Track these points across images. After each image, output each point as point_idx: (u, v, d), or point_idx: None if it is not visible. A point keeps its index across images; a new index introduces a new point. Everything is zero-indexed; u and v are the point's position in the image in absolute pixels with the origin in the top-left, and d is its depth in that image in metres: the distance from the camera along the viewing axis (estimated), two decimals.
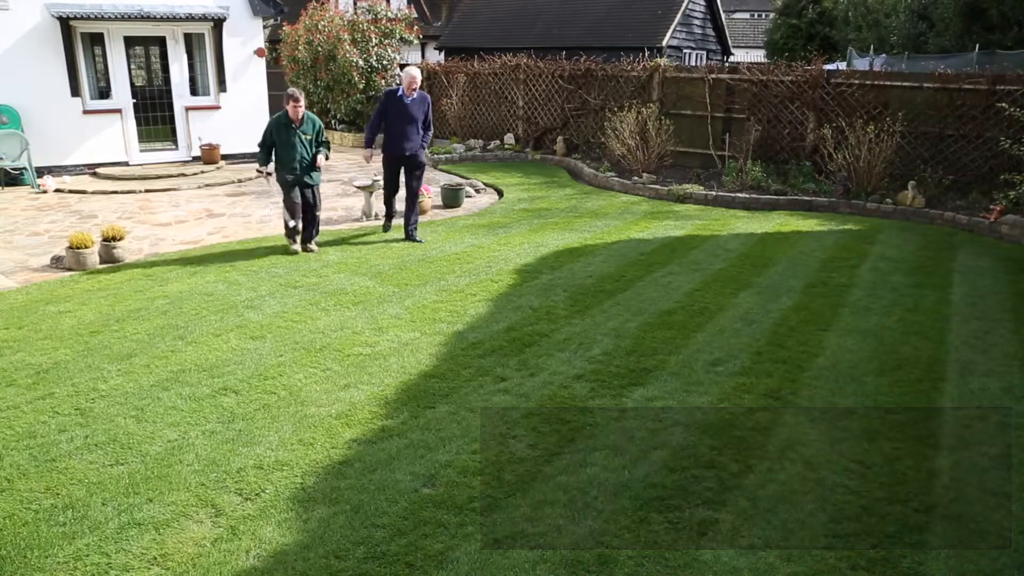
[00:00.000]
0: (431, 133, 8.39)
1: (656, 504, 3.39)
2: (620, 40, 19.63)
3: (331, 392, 4.53)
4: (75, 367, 4.88)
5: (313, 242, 8.02)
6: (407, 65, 7.98)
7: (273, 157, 7.76)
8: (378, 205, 9.46)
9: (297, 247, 7.83)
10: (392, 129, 8.06)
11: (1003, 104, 9.40)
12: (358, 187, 9.57)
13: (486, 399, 4.43)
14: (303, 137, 7.61)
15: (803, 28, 27.49)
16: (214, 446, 3.89)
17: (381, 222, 9.08)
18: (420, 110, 8.07)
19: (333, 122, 18.29)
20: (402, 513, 3.32)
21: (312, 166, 7.75)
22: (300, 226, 7.87)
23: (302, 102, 7.50)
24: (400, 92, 7.98)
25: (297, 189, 7.71)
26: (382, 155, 8.35)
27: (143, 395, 4.48)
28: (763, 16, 41.47)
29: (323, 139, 7.89)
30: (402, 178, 8.44)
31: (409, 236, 8.34)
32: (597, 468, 3.68)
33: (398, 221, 8.80)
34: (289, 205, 7.82)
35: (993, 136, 9.68)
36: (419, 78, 7.99)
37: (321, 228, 8.33)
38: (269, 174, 8.02)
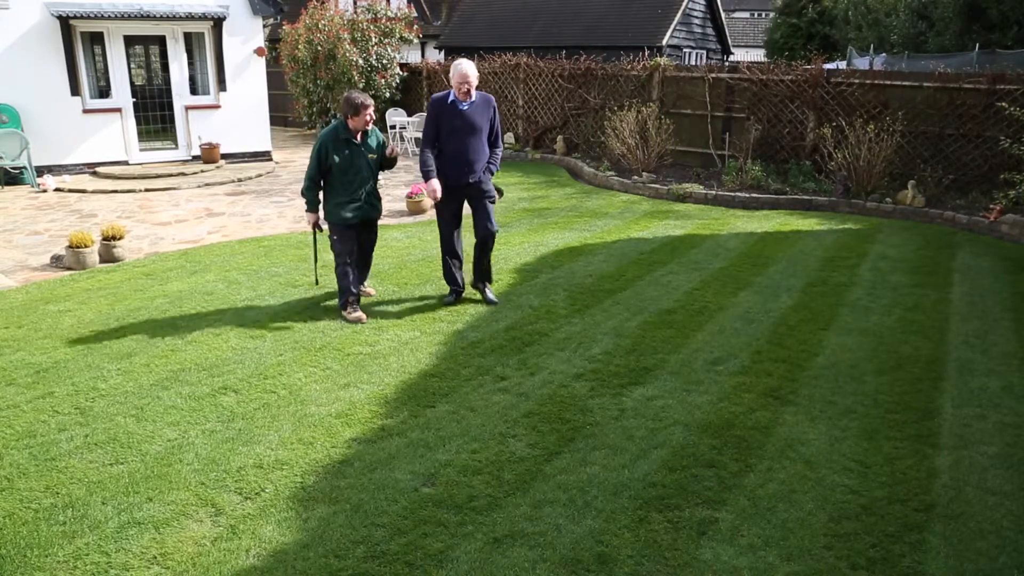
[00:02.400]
0: (500, 151, 6.00)
1: (656, 504, 3.39)
2: (620, 39, 19.63)
3: (331, 391, 4.53)
4: (75, 366, 4.88)
5: (369, 281, 6.34)
6: (456, 59, 6.09)
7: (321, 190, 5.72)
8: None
9: (360, 313, 5.72)
10: (447, 150, 5.74)
11: (1003, 103, 9.40)
12: None
13: (486, 398, 4.43)
14: (369, 156, 5.68)
15: (803, 27, 27.50)
16: (214, 445, 3.89)
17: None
18: (484, 118, 5.78)
19: (334, 121, 18.28)
20: (402, 512, 3.32)
21: (376, 193, 5.89)
22: (357, 291, 5.87)
23: (371, 108, 5.53)
24: (451, 97, 5.68)
25: (355, 233, 5.76)
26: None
27: (143, 394, 4.48)
28: (763, 15, 41.46)
29: (387, 153, 5.86)
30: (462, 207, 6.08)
31: (486, 299, 6.14)
32: (597, 468, 3.68)
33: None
34: (346, 257, 5.70)
35: (993, 135, 9.68)
36: (472, 74, 5.63)
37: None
38: (320, 228, 5.90)
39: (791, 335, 5.44)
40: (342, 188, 5.60)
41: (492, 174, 5.97)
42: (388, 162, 5.92)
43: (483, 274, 6.17)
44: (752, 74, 12.00)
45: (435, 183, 5.70)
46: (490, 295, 6.14)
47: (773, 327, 5.60)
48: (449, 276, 6.18)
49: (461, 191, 5.89)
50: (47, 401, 4.39)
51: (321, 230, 5.89)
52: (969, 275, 7.04)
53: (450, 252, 6.09)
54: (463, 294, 6.19)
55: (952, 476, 3.64)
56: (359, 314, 5.69)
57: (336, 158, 5.53)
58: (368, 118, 5.52)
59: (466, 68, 5.61)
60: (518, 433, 4.01)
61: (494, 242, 6.09)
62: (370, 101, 5.52)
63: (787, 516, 3.31)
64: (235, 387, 4.58)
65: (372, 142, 5.72)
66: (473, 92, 5.70)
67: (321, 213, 5.81)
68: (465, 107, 5.69)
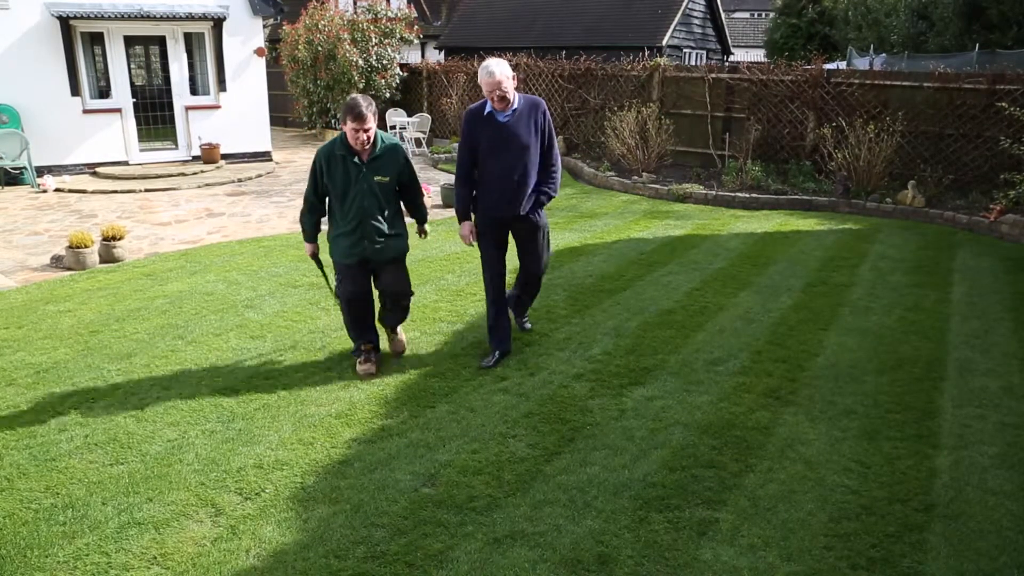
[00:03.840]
0: (558, 171, 4.80)
1: (656, 504, 3.39)
2: (620, 40, 19.63)
3: (331, 391, 4.53)
4: (75, 367, 4.88)
5: (400, 329, 5.10)
6: (485, 59, 4.88)
7: (327, 215, 4.69)
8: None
9: (370, 365, 4.73)
10: (486, 175, 4.64)
11: (1003, 103, 9.40)
12: None
13: (486, 398, 4.43)
14: (376, 180, 4.43)
15: (803, 27, 27.50)
16: (214, 445, 3.88)
17: None
18: (531, 129, 4.56)
19: (333, 122, 18.28)
20: (402, 512, 3.32)
21: (394, 223, 4.60)
22: (374, 339, 4.82)
23: (371, 120, 4.26)
24: (488, 108, 4.54)
25: (361, 272, 4.61)
26: (473, 219, 4.82)
27: (143, 395, 4.48)
28: (763, 16, 41.45)
29: (415, 179, 4.71)
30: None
31: (523, 327, 5.46)
32: (597, 468, 3.68)
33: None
34: (349, 302, 4.67)
35: (993, 135, 9.68)
36: (504, 75, 4.41)
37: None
38: (319, 260, 4.86)
39: (791, 335, 5.44)
40: (340, 217, 4.51)
41: (544, 204, 4.76)
42: (411, 190, 4.69)
43: (524, 310, 5.47)
44: (752, 74, 12.00)
45: (467, 227, 4.76)
46: (527, 324, 5.48)
47: (773, 327, 5.60)
48: (494, 322, 4.95)
49: (504, 225, 4.78)
50: (47, 402, 4.39)
51: (321, 262, 4.90)
52: (969, 275, 7.04)
53: (494, 309, 4.93)
54: (508, 352, 5.00)
55: (952, 476, 3.63)
56: (368, 366, 4.69)
57: (331, 178, 4.42)
58: (361, 137, 4.28)
59: (494, 68, 4.38)
60: (518, 433, 4.01)
61: (538, 286, 5.24)
62: (367, 112, 4.22)
63: (787, 516, 3.31)
64: (235, 387, 4.58)
65: (385, 162, 4.44)
66: (514, 96, 4.49)
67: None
68: (505, 118, 4.49)
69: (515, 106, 4.53)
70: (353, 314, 4.71)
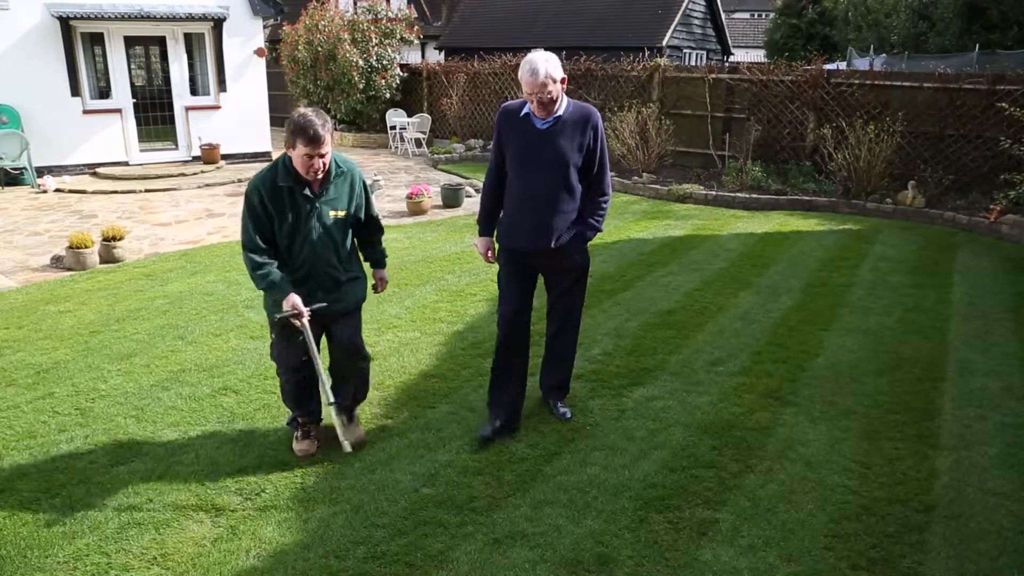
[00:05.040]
0: (607, 201, 3.87)
1: (656, 504, 3.39)
2: (620, 40, 19.63)
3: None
4: (75, 367, 4.88)
5: (356, 412, 4.05)
6: (529, 53, 3.65)
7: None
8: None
9: (308, 443, 3.78)
10: (511, 190, 3.78)
11: (1003, 104, 9.39)
12: None
13: (486, 399, 4.42)
14: (330, 215, 3.48)
15: (803, 28, 27.49)
16: (214, 446, 3.88)
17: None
18: (574, 143, 3.66)
19: (333, 122, 18.28)
20: (402, 513, 3.32)
21: (351, 265, 3.66)
22: (316, 412, 3.87)
23: (328, 143, 3.30)
24: (526, 109, 3.68)
25: (304, 328, 3.46)
26: (497, 245, 3.97)
27: (143, 395, 4.48)
28: (763, 16, 41.45)
29: (372, 211, 3.72)
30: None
31: (557, 412, 4.18)
32: (597, 468, 3.68)
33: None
34: (296, 370, 3.67)
35: (993, 136, 9.68)
36: (548, 75, 3.49)
37: None
38: (286, 319, 3.44)
39: (791, 336, 5.44)
40: (287, 258, 3.47)
41: (588, 238, 3.83)
42: (369, 226, 3.72)
43: (555, 382, 4.22)
44: (752, 75, 12.00)
45: (483, 244, 3.92)
46: (562, 408, 4.18)
47: (773, 328, 5.60)
48: (495, 385, 4.05)
49: (527, 257, 3.84)
50: (47, 402, 4.39)
51: (299, 323, 3.44)
52: (969, 276, 7.04)
53: (500, 358, 3.99)
54: (516, 428, 4.02)
55: (952, 477, 3.63)
56: (307, 444, 3.75)
57: (276, 216, 3.38)
58: (315, 165, 3.30)
59: (539, 65, 3.47)
60: (518, 433, 4.00)
61: (573, 344, 4.14)
62: (324, 133, 3.24)
63: (787, 517, 3.31)
64: (235, 388, 4.57)
65: (340, 192, 3.50)
66: (561, 102, 3.63)
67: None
68: (545, 125, 3.63)
69: (559, 112, 3.64)
70: (297, 384, 3.70)
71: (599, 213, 3.84)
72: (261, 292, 3.57)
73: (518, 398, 4.03)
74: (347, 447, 3.69)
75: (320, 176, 3.41)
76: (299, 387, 3.74)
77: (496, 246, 3.96)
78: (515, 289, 3.90)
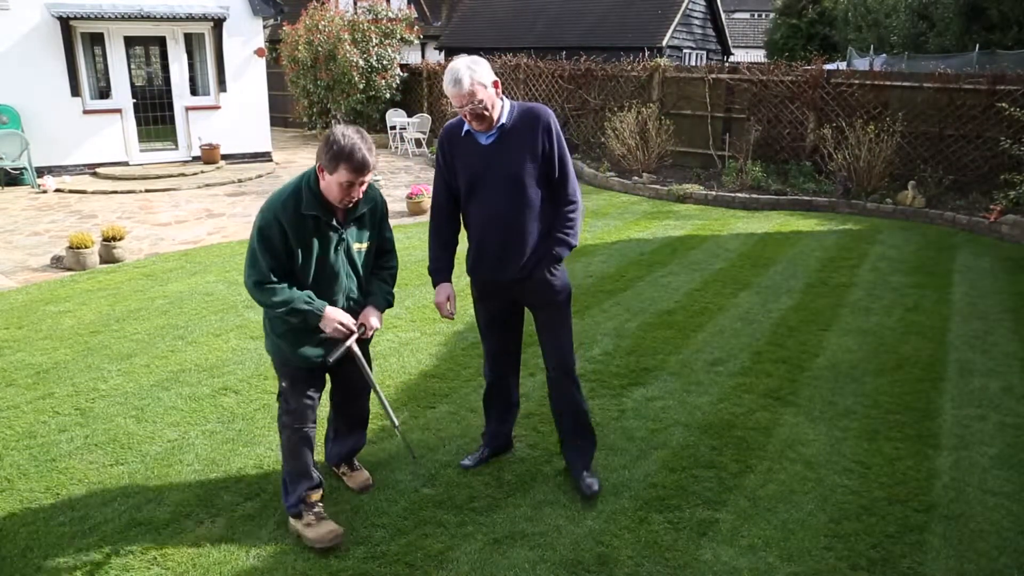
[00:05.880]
0: (577, 209, 3.30)
1: (656, 504, 3.39)
2: (620, 40, 19.64)
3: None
4: (75, 367, 4.88)
5: (356, 459, 3.61)
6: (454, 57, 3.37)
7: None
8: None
9: (327, 528, 3.09)
10: (469, 216, 3.36)
11: (1003, 104, 9.39)
12: None
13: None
14: (355, 247, 3.06)
15: (803, 28, 27.51)
16: (214, 446, 3.88)
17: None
18: (524, 156, 3.17)
19: (333, 122, 18.28)
20: (402, 513, 3.32)
21: (366, 299, 3.18)
22: (320, 477, 3.24)
23: (368, 173, 2.84)
24: (467, 126, 3.21)
25: (321, 377, 3.20)
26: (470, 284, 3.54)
27: (143, 395, 4.48)
28: (763, 16, 41.47)
29: (388, 237, 3.24)
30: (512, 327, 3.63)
31: (584, 490, 3.44)
32: (597, 468, 3.67)
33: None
34: (301, 428, 3.12)
35: (993, 136, 9.68)
36: (474, 82, 3.02)
37: None
38: (330, 360, 3.02)
39: (791, 336, 5.44)
40: (307, 297, 2.95)
41: (560, 256, 3.28)
42: (386, 267, 3.25)
43: (574, 439, 3.56)
44: (752, 75, 12.00)
45: (443, 292, 3.39)
46: (587, 481, 3.47)
47: (773, 328, 5.60)
48: (488, 415, 3.78)
49: (499, 290, 3.41)
50: (47, 402, 4.39)
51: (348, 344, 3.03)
52: (969, 276, 7.04)
53: (493, 378, 3.66)
54: (507, 450, 3.83)
55: (952, 477, 3.64)
56: (330, 526, 3.10)
57: (299, 249, 2.90)
58: (355, 194, 2.88)
59: (463, 74, 3.02)
60: (518, 434, 4.00)
61: (577, 385, 3.52)
62: (371, 159, 2.82)
63: (787, 517, 3.31)
64: (235, 388, 4.58)
65: (365, 221, 3.08)
66: (498, 110, 3.15)
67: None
68: (488, 140, 3.19)
69: (502, 121, 3.16)
70: (302, 438, 3.14)
71: (568, 226, 3.26)
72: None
73: (508, 424, 3.78)
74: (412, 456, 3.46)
75: (352, 204, 2.95)
76: (304, 442, 3.13)
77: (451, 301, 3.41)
78: (495, 327, 3.53)
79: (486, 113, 3.09)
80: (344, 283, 3.06)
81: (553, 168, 3.22)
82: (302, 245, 2.89)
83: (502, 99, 3.18)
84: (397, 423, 3.26)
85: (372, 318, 3.12)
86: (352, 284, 3.09)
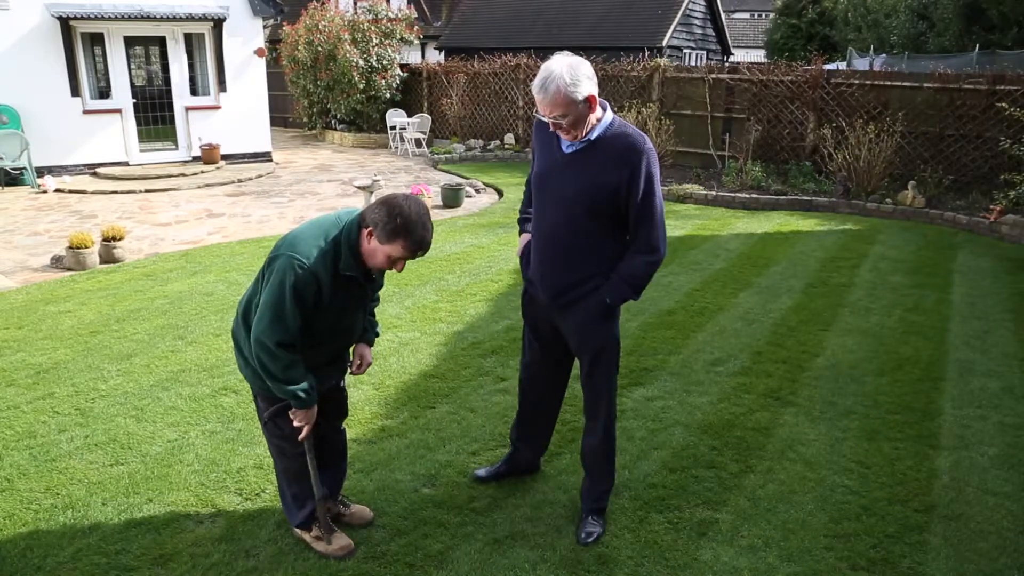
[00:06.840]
0: (653, 259, 2.87)
1: (656, 504, 3.39)
2: (620, 40, 19.63)
3: None
4: (75, 367, 4.88)
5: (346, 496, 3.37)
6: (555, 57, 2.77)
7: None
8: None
9: (344, 541, 3.05)
10: (535, 214, 3.07)
11: (1003, 104, 9.40)
12: (358, 187, 9.57)
13: (486, 399, 4.43)
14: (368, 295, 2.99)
15: (803, 28, 27.52)
16: (214, 446, 3.88)
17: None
18: (596, 182, 2.80)
19: (333, 122, 18.29)
20: (402, 513, 3.32)
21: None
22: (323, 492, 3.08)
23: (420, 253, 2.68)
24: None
25: (308, 440, 2.94)
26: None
27: (143, 395, 4.48)
28: (763, 16, 41.47)
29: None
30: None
31: (579, 535, 3.15)
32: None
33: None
34: (294, 442, 2.91)
35: (993, 136, 9.69)
36: (560, 94, 2.64)
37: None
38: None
39: (791, 336, 5.44)
40: (309, 345, 2.78)
41: (607, 304, 2.92)
42: (378, 286, 3.03)
43: (589, 475, 3.28)
44: (752, 75, 12.00)
45: (523, 240, 3.20)
46: (587, 529, 3.16)
47: (773, 328, 5.60)
48: (513, 433, 3.54)
49: (542, 311, 3.13)
50: (47, 402, 4.39)
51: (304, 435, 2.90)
52: (969, 276, 7.04)
53: (524, 404, 3.44)
54: (527, 468, 3.60)
55: (952, 477, 3.64)
56: (344, 541, 3.06)
57: (330, 304, 2.72)
58: (397, 268, 2.70)
59: (550, 79, 2.67)
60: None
61: (611, 437, 3.19)
62: (430, 242, 2.68)
63: (787, 517, 3.31)
64: (235, 388, 4.57)
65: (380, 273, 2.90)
66: (586, 127, 2.77)
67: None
68: (570, 148, 2.86)
69: (593, 136, 2.80)
70: (301, 456, 2.97)
71: (633, 273, 2.87)
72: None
73: (537, 450, 3.56)
74: (345, 544, 3.05)
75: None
76: (308, 466, 2.98)
77: None
78: (530, 336, 3.28)
79: (571, 131, 2.77)
80: (355, 331, 2.96)
81: (628, 206, 2.81)
82: (333, 303, 2.71)
83: (602, 108, 2.81)
84: (321, 492, 3.03)
85: (367, 354, 3.07)
86: (358, 322, 2.97)
